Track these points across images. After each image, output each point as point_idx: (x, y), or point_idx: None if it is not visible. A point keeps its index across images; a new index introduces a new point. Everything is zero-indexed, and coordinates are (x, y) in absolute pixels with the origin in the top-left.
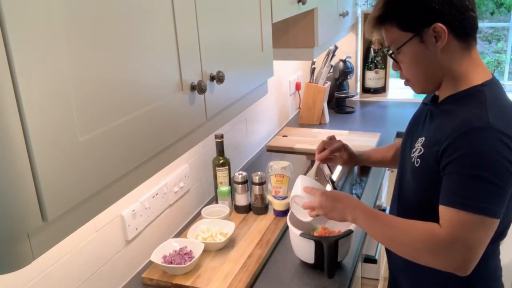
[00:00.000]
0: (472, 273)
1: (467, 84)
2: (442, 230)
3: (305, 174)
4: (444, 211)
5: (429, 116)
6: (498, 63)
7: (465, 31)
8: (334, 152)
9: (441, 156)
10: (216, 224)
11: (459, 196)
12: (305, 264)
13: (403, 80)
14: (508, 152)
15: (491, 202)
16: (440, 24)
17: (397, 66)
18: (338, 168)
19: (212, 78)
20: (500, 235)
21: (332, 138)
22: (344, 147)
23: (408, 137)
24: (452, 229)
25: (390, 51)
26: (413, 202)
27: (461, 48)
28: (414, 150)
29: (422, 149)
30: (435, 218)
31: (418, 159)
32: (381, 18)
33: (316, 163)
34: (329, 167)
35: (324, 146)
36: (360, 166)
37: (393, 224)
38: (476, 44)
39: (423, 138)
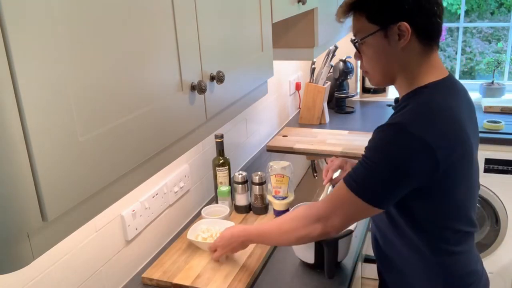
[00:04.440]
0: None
1: (416, 85)
2: (321, 202)
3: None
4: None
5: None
6: (498, 63)
7: (428, 35)
8: (336, 170)
9: None
10: (216, 224)
11: (349, 174)
12: (305, 264)
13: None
14: (405, 148)
15: (367, 185)
16: (405, 24)
17: (359, 56)
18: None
19: (212, 78)
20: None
21: (333, 160)
22: (345, 163)
23: None
24: (331, 196)
25: (355, 40)
26: None
27: (421, 51)
28: None
29: None
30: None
31: None
32: (353, 5)
33: (326, 188)
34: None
35: (327, 169)
36: None
37: (276, 222)
38: (437, 48)
39: None
